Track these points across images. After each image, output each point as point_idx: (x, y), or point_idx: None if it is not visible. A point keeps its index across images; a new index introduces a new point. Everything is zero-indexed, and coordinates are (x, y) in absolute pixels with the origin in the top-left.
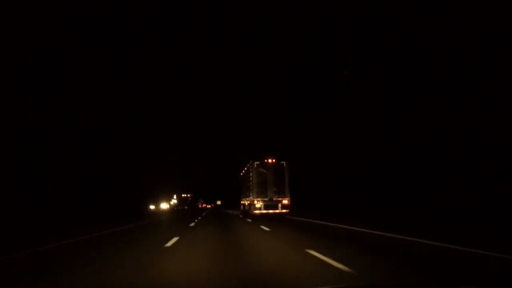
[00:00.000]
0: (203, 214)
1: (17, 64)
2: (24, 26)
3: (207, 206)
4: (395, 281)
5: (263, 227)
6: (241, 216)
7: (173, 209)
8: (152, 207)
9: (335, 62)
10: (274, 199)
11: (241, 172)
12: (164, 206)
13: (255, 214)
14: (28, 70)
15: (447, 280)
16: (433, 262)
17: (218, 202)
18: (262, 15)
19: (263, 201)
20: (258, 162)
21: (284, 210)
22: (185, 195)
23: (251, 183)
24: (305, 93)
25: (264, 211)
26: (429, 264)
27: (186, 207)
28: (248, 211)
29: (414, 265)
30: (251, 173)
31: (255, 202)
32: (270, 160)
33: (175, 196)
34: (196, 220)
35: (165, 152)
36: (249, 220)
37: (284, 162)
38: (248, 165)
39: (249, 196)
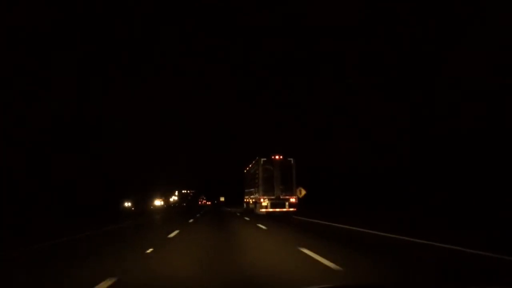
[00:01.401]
0: (197, 216)
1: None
2: (24, 26)
3: (207, 203)
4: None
5: (307, 250)
6: (247, 218)
7: (163, 206)
8: (127, 204)
9: (335, 61)
10: (281, 197)
11: (245, 169)
12: (158, 203)
13: (261, 213)
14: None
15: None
16: None
17: (222, 199)
18: (265, 13)
19: (270, 199)
20: (265, 159)
21: (291, 209)
22: (187, 191)
23: (257, 181)
24: (308, 92)
25: (271, 210)
26: None
27: (184, 204)
28: (253, 210)
29: None
30: (257, 170)
31: (262, 200)
32: (277, 157)
33: (176, 193)
34: (176, 231)
35: (170, 149)
36: (263, 226)
37: (291, 159)
38: (253, 162)
39: (254, 194)
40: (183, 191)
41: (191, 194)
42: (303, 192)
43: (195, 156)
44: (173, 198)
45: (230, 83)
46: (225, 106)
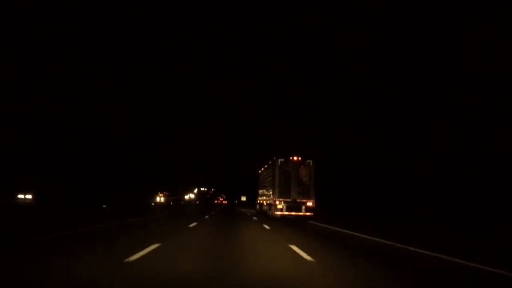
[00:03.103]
0: (198, 221)
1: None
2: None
3: (224, 202)
4: None
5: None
6: (267, 226)
7: (159, 204)
8: (25, 196)
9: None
10: (297, 200)
11: (260, 169)
12: (159, 199)
13: (276, 216)
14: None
15: None
16: None
17: (243, 198)
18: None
19: (286, 202)
20: (282, 159)
21: (308, 213)
22: (205, 189)
23: (273, 182)
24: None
25: (287, 213)
26: None
27: (198, 202)
28: (266, 212)
29: None
30: (274, 171)
31: (277, 202)
32: (295, 158)
33: (195, 190)
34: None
35: (191, 149)
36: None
37: (310, 161)
38: (270, 162)
39: (269, 195)
40: (201, 189)
41: (210, 192)
42: None
43: (219, 155)
44: (189, 196)
45: (257, 87)
46: (252, 106)
